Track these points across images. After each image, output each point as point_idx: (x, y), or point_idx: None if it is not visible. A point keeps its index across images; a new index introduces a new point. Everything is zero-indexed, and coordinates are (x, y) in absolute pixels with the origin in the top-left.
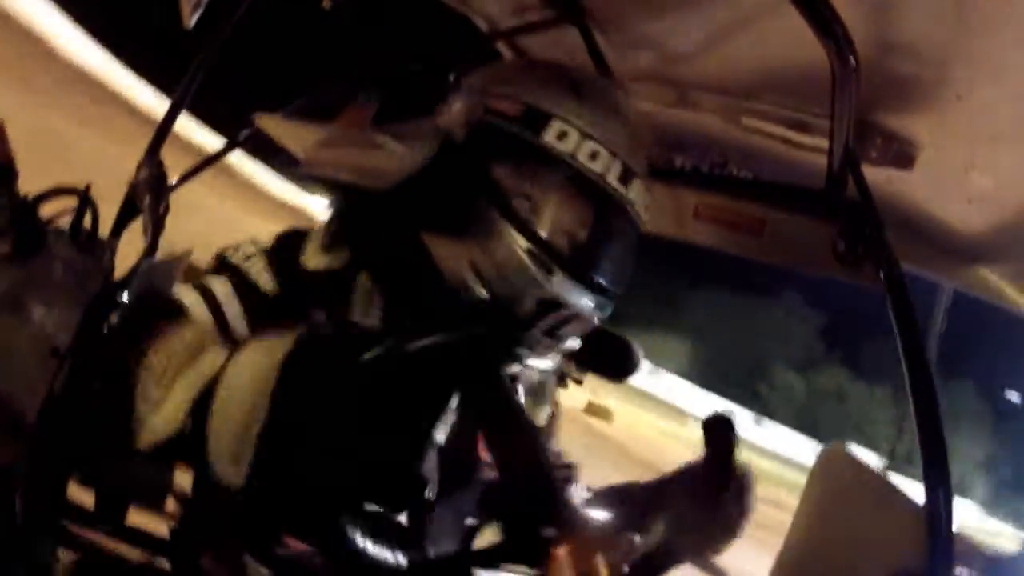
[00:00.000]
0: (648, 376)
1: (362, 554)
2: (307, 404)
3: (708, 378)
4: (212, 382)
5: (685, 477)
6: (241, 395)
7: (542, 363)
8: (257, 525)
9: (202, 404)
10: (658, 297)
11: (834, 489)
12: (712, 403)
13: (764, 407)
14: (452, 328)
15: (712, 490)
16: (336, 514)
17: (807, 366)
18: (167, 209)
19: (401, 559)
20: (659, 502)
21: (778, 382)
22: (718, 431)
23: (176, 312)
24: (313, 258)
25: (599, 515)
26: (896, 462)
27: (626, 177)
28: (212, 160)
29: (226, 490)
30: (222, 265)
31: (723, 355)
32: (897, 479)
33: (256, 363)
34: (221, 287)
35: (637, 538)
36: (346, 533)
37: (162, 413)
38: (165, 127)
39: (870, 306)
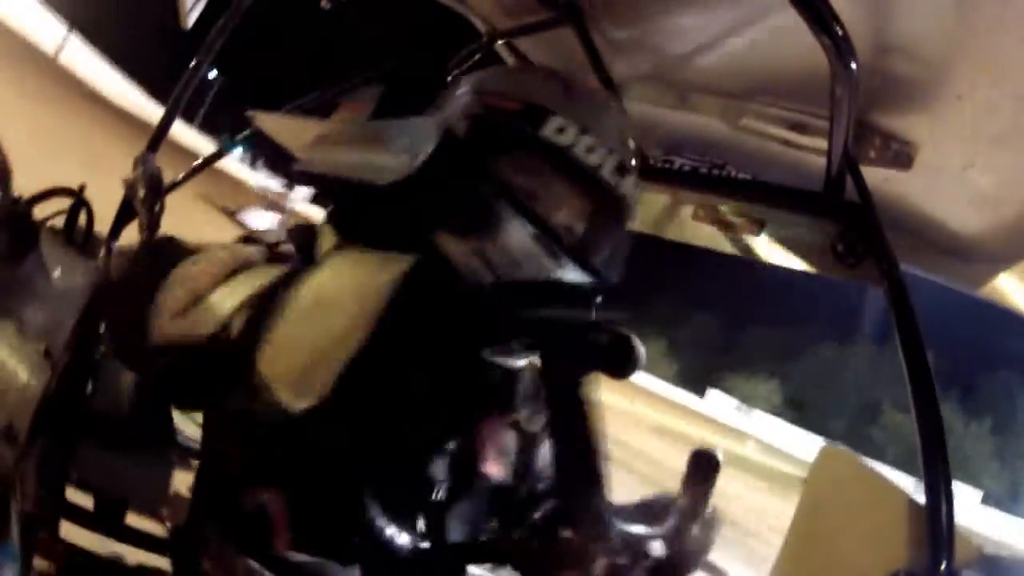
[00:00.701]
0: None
1: (375, 530)
2: (414, 334)
3: (817, 422)
4: (271, 289)
5: (665, 504)
6: (332, 309)
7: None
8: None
9: (258, 312)
10: (775, 350)
11: (834, 489)
12: (815, 443)
13: (875, 449)
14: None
15: (683, 521)
16: (367, 482)
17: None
18: (163, 207)
19: (407, 543)
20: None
21: (888, 423)
22: (702, 467)
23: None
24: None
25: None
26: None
27: (621, 171)
28: (210, 161)
29: (266, 414)
30: (248, 242)
31: (834, 401)
32: (994, 513)
33: (357, 276)
34: (251, 249)
35: (657, 545)
36: (365, 505)
37: (192, 315)
38: (164, 125)
39: (985, 343)
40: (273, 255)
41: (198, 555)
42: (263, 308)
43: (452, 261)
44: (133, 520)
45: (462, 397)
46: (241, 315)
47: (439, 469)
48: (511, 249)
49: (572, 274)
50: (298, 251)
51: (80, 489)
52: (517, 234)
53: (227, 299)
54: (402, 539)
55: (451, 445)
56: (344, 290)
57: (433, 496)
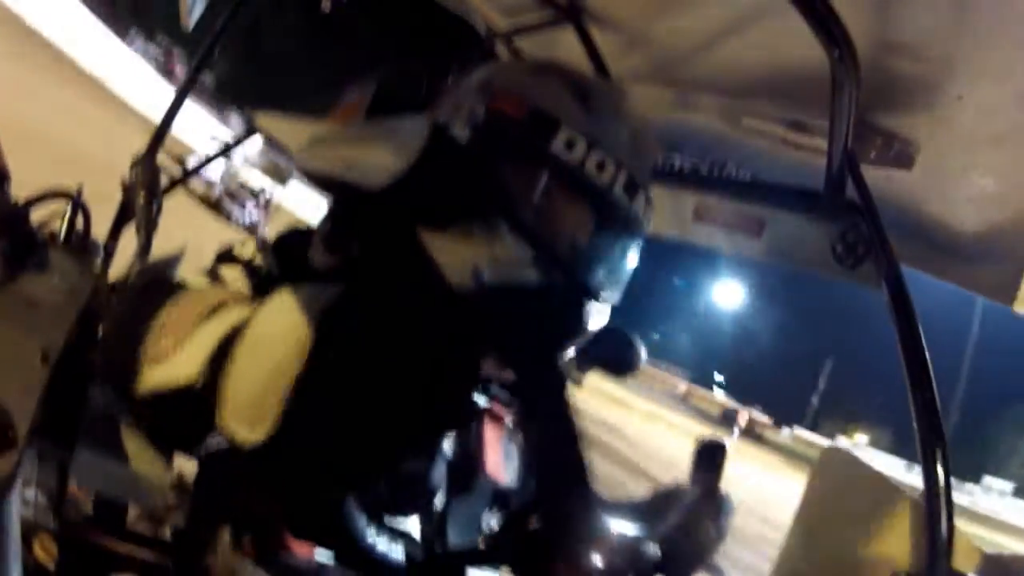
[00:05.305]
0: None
1: (361, 541)
2: (344, 364)
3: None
4: (234, 332)
5: (672, 497)
6: (271, 345)
7: None
8: (262, 499)
9: (221, 355)
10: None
11: (835, 489)
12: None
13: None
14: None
15: (695, 512)
16: (342, 495)
17: None
18: (160, 209)
19: (398, 552)
20: (648, 517)
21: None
22: (708, 457)
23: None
24: (320, 257)
25: (614, 525)
26: None
27: (631, 188)
28: (209, 160)
29: (236, 451)
30: (228, 259)
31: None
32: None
33: (290, 312)
34: (230, 272)
35: (653, 548)
36: (348, 517)
37: (174, 361)
38: (164, 127)
39: None
40: (250, 272)
41: (200, 557)
42: (223, 352)
43: (440, 269)
44: (133, 521)
45: (451, 403)
46: (209, 361)
47: (438, 473)
48: (503, 264)
49: (567, 294)
50: (279, 262)
51: (80, 490)
52: (511, 249)
53: (200, 347)
54: (385, 546)
55: (451, 450)
56: (278, 324)
57: (433, 500)
